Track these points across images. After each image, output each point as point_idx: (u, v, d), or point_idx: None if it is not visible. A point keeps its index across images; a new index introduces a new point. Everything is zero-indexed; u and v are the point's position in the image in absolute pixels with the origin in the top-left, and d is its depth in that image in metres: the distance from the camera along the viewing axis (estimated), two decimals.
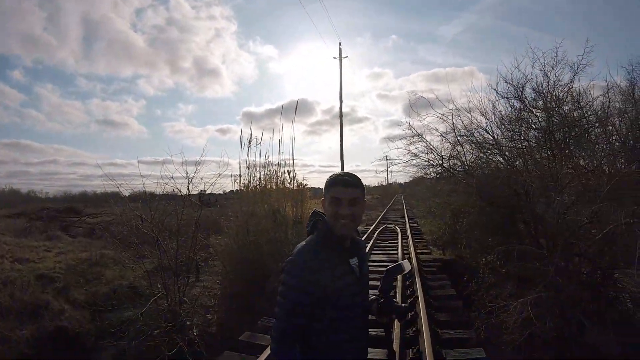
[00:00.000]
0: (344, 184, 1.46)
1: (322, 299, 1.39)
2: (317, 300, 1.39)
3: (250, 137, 8.38)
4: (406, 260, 1.77)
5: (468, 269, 6.60)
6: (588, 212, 3.93)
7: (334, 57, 25.57)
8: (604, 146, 5.04)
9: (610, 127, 5.23)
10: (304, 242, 1.51)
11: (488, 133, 7.04)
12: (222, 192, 9.01)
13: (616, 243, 3.74)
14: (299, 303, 1.39)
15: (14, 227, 13.94)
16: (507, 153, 6.75)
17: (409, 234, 11.34)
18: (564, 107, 5.66)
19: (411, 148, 7.69)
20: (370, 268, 7.63)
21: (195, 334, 4.99)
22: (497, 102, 6.83)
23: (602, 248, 3.93)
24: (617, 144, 5.03)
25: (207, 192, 6.68)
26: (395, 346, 3.95)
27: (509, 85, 6.50)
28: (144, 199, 5.85)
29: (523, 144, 6.33)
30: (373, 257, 8.73)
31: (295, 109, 9.49)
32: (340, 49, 25.71)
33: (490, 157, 7.21)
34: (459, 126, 7.24)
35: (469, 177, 7.10)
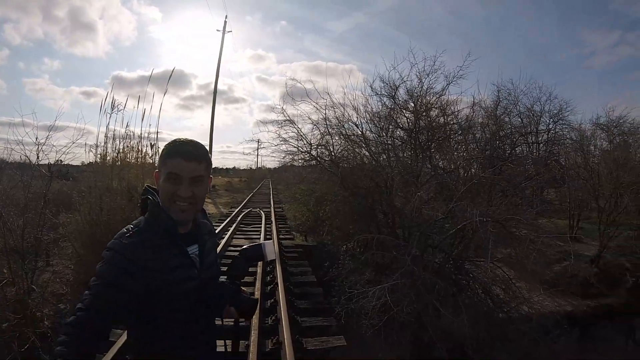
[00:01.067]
0: (185, 156, 1.14)
1: (147, 296, 1.11)
2: (141, 298, 1.10)
3: (113, 103, 7.44)
4: (270, 241, 1.46)
5: (329, 256, 6.80)
6: (444, 208, 4.43)
7: (218, 30, 24.29)
8: (463, 153, 5.90)
9: (471, 137, 6.17)
10: (130, 225, 1.18)
11: (358, 127, 7.52)
12: (80, 164, 8.25)
13: (468, 237, 4.34)
14: (107, 299, 1.07)
15: None
16: (373, 148, 7.26)
17: (273, 219, 11.20)
18: (432, 113, 6.39)
19: (282, 132, 7.75)
20: (230, 254, 7.01)
21: (47, 326, 4.59)
22: (370, 99, 7.30)
23: (453, 241, 4.52)
24: (475, 151, 5.96)
25: (62, 163, 6.12)
26: (253, 336, 3.63)
27: (384, 84, 7.01)
28: None
29: (389, 141, 6.88)
30: (234, 242, 8.23)
31: (169, 77, 8.57)
32: (225, 22, 24.67)
33: (357, 149, 7.66)
34: (330, 117, 7.51)
35: (334, 167, 7.36)
